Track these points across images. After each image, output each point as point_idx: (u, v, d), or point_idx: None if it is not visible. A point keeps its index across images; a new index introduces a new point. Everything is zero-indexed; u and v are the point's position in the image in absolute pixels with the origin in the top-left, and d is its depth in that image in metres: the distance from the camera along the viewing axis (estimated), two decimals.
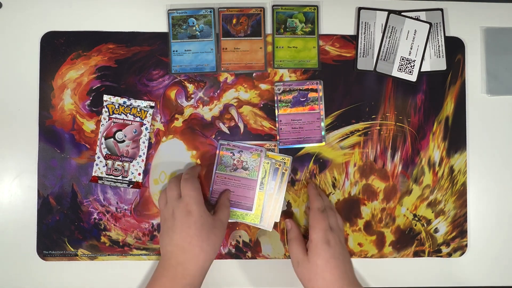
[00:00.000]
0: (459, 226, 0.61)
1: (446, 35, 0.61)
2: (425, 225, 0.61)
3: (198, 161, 0.60)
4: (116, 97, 0.59)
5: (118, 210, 0.59)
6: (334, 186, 0.60)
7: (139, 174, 0.59)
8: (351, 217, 0.60)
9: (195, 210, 0.52)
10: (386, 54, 0.60)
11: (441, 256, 0.61)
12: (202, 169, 0.60)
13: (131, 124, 0.59)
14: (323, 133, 0.60)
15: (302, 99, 0.60)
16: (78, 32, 0.60)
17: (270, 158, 0.58)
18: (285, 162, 0.59)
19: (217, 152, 0.59)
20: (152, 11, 0.60)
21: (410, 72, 0.60)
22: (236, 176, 0.59)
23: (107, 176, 0.58)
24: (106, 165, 0.58)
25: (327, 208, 0.57)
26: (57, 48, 0.59)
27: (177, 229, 0.52)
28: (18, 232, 0.59)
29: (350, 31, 0.61)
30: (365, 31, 0.61)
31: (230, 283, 0.60)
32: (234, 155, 0.58)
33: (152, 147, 0.59)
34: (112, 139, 0.58)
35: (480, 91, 0.62)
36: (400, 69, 0.60)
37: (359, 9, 0.61)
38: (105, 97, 0.58)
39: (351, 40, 0.61)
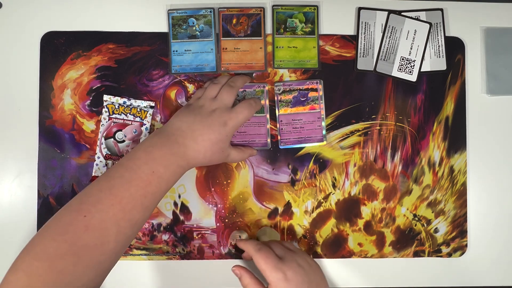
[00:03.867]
0: (459, 226, 0.61)
1: (446, 35, 0.61)
2: (425, 225, 0.61)
3: None
4: (116, 97, 0.59)
5: None
6: (334, 186, 0.60)
7: None
8: (351, 217, 0.60)
9: (230, 126, 0.53)
10: (386, 54, 0.60)
11: (441, 256, 0.61)
12: (202, 169, 0.60)
13: (131, 124, 0.59)
14: (324, 132, 0.60)
15: (302, 99, 0.60)
16: (78, 32, 0.60)
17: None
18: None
19: None
20: (152, 11, 0.60)
21: (410, 72, 0.60)
22: None
23: None
24: (106, 165, 0.58)
25: (264, 242, 0.54)
26: (57, 48, 0.59)
27: (203, 123, 0.52)
28: (18, 232, 0.59)
29: (350, 31, 0.61)
30: (365, 31, 0.61)
31: (230, 283, 0.60)
32: (238, 96, 0.59)
33: None
34: (112, 139, 0.58)
35: (480, 91, 0.62)
36: (400, 69, 0.60)
37: (359, 9, 0.61)
38: (105, 97, 0.58)
39: (351, 40, 0.61)
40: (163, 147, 0.50)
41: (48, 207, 0.59)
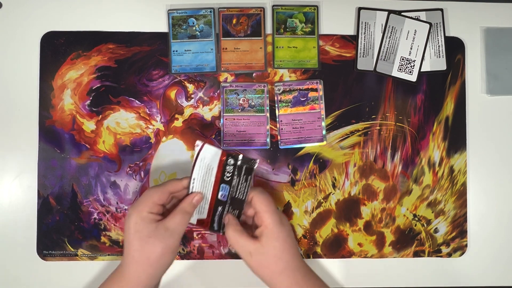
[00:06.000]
0: (459, 226, 0.61)
1: (446, 35, 0.61)
2: (425, 225, 0.61)
3: None
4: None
5: (118, 210, 0.59)
6: (334, 186, 0.60)
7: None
8: (351, 217, 0.60)
9: (131, 215, 0.49)
10: (386, 54, 0.60)
11: (441, 256, 0.61)
12: None
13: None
14: (324, 132, 0.60)
15: (302, 99, 0.60)
16: (78, 32, 0.60)
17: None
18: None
19: (221, 96, 0.59)
20: (152, 11, 0.60)
21: (410, 72, 0.60)
22: (245, 115, 0.59)
23: None
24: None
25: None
26: (57, 48, 0.59)
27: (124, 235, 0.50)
28: (18, 232, 0.59)
29: (350, 31, 0.61)
30: (365, 31, 0.61)
31: (230, 283, 0.60)
32: (238, 95, 0.59)
33: (152, 147, 0.59)
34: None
35: (480, 91, 0.62)
36: (400, 69, 0.60)
37: (359, 9, 0.61)
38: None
39: (351, 40, 0.61)
40: (109, 280, 0.50)
41: (48, 207, 0.59)
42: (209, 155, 0.51)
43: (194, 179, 0.51)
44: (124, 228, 0.50)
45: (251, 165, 0.52)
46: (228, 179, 0.52)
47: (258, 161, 0.51)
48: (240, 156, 0.51)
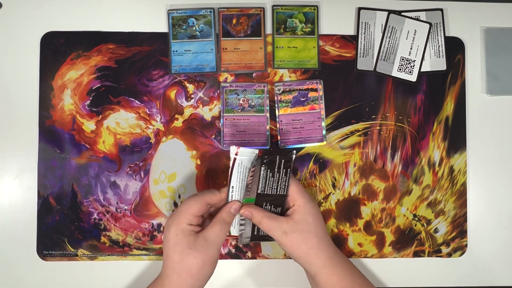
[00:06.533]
0: (459, 226, 0.61)
1: (446, 35, 0.61)
2: (425, 225, 0.61)
3: (198, 161, 0.60)
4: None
5: (118, 210, 0.59)
6: (334, 186, 0.60)
7: None
8: (351, 217, 0.60)
9: (170, 227, 0.49)
10: (386, 54, 0.60)
11: (441, 256, 0.61)
12: (202, 169, 0.60)
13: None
14: (324, 132, 0.60)
15: (302, 99, 0.60)
16: (78, 32, 0.60)
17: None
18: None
19: (221, 96, 0.59)
20: (152, 11, 0.60)
21: (410, 72, 0.60)
22: (245, 115, 0.59)
23: None
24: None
25: None
26: (57, 48, 0.59)
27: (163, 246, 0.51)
28: (18, 232, 0.59)
29: (350, 31, 0.61)
30: (365, 31, 0.61)
31: (230, 283, 0.60)
32: (238, 95, 0.59)
33: (152, 147, 0.59)
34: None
35: (480, 91, 0.62)
36: (400, 69, 0.60)
37: (359, 9, 0.61)
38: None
39: (351, 40, 0.61)
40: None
41: (48, 207, 0.59)
42: (246, 158, 0.50)
43: (232, 187, 0.51)
44: (163, 240, 0.50)
45: (289, 158, 0.50)
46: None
47: (295, 152, 0.50)
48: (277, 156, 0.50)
